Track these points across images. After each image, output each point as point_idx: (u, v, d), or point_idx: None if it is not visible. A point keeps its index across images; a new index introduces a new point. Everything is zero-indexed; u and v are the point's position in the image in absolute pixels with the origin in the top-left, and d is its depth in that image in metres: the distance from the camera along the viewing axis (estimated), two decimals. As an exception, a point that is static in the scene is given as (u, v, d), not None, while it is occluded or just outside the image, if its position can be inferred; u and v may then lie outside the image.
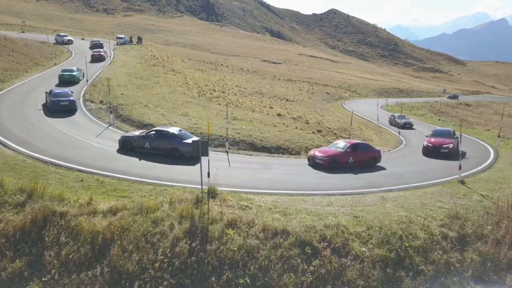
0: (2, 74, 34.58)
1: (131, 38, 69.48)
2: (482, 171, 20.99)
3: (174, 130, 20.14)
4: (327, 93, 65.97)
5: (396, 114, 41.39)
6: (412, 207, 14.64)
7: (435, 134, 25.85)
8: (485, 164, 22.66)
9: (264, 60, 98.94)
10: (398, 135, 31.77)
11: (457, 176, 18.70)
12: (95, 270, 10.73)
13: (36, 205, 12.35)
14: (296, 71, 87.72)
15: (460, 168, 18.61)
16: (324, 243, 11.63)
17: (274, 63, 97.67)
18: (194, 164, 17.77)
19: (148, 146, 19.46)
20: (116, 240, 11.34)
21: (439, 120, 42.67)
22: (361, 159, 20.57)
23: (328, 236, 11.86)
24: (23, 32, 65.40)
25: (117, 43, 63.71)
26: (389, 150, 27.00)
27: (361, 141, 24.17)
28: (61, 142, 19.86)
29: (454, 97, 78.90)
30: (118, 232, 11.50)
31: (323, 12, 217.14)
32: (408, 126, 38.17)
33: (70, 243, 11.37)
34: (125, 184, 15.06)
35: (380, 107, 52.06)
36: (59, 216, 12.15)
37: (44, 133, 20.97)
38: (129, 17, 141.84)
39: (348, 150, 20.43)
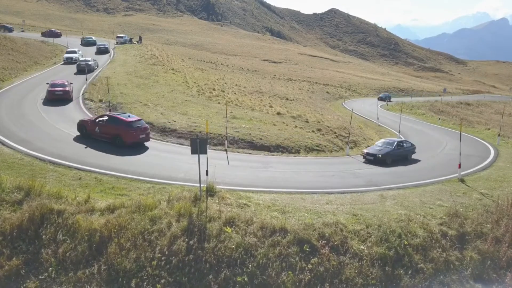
0: (1, 73, 34.51)
1: (131, 38, 69.39)
2: (482, 169, 20.94)
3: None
4: (327, 92, 65.85)
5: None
6: (412, 206, 14.59)
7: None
8: (485, 162, 22.60)
9: (264, 60, 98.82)
10: (398, 134, 31.69)
11: (456, 174, 18.64)
12: (93, 268, 10.69)
13: (33, 203, 12.30)
14: (296, 70, 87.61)
15: (460, 166, 18.54)
16: (323, 241, 11.58)
17: (274, 62, 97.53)
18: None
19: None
20: (114, 238, 11.29)
21: (439, 119, 42.58)
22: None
23: (327, 234, 11.80)
24: (22, 31, 65.35)
25: (117, 42, 63.63)
26: (389, 149, 26.88)
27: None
28: (59, 140, 19.79)
29: (386, 98, 62.23)
30: (115, 230, 11.45)
31: (323, 11, 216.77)
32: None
33: (68, 241, 11.33)
34: (123, 182, 15.00)
35: (380, 107, 51.96)
36: (57, 214, 12.10)
37: (42, 132, 20.90)
38: (129, 16, 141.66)
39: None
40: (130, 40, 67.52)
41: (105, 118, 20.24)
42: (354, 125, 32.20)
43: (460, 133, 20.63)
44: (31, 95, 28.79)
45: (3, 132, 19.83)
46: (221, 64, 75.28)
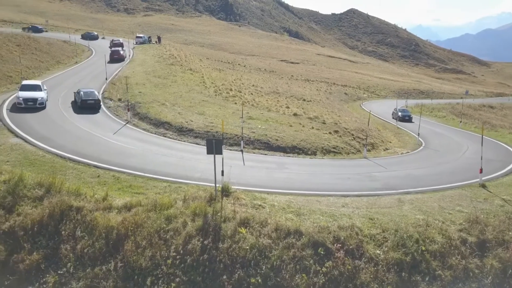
0: (25, 72, 35.57)
1: (149, 37, 70.41)
2: (505, 175, 20.28)
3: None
4: (345, 93, 65.20)
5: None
6: (430, 211, 14.27)
7: None
8: (508, 168, 21.86)
9: (281, 60, 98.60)
10: (417, 136, 31.06)
11: (477, 179, 18.14)
12: (109, 264, 10.89)
13: (53, 199, 12.62)
14: (314, 71, 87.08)
15: (481, 171, 18.03)
16: (338, 245, 11.45)
17: (292, 63, 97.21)
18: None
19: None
20: (130, 236, 11.47)
21: (461, 122, 41.52)
22: None
23: (342, 238, 11.67)
24: (46, 31, 67.12)
25: (136, 42, 64.70)
26: (408, 152, 26.43)
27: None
28: (79, 138, 20.25)
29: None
30: (132, 228, 11.63)
31: (342, 12, 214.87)
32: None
33: (86, 238, 11.57)
34: (140, 181, 15.23)
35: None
36: (76, 210, 12.38)
37: (63, 130, 21.43)
38: (149, 16, 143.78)
39: None
40: (149, 40, 68.49)
41: None
42: (372, 127, 31.73)
43: (482, 137, 20.07)
44: (53, 94, 29.52)
45: (25, 129, 20.41)
46: (239, 64, 75.51)
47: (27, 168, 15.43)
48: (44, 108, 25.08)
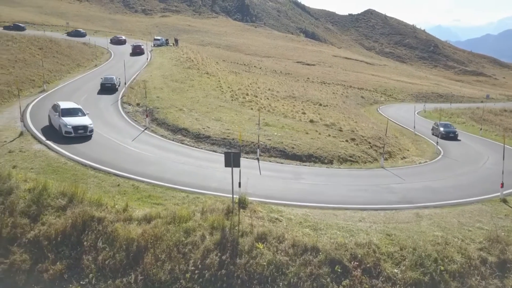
0: (47, 75, 36.48)
1: (167, 40, 71.16)
2: (528, 189, 19.77)
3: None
4: (362, 97, 64.64)
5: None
6: (449, 227, 14.09)
7: None
8: (531, 181, 21.31)
9: (297, 62, 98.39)
10: (436, 144, 30.54)
11: (498, 193, 17.79)
12: (130, 277, 11.15)
13: (76, 209, 12.98)
14: (330, 73, 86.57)
15: (502, 185, 17.67)
16: (355, 262, 11.43)
17: (308, 64, 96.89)
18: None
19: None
20: (150, 249, 11.71)
21: (481, 130, 40.55)
22: None
23: (359, 255, 11.64)
24: (67, 33, 68.64)
25: (154, 45, 65.48)
26: (426, 162, 26.05)
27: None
28: (99, 144, 20.70)
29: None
30: (151, 241, 11.87)
31: (359, 12, 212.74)
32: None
33: (107, 249, 11.87)
34: (159, 191, 15.50)
35: (417, 113, 50.19)
36: (97, 221, 12.71)
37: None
38: (166, 17, 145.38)
39: None
40: (167, 43, 69.25)
41: None
42: (389, 134, 31.41)
43: (504, 147, 19.63)
44: (74, 98, 30.18)
45: (48, 135, 20.95)
46: (254, 66, 75.71)
47: (50, 175, 15.91)
48: (91, 136, 21.64)
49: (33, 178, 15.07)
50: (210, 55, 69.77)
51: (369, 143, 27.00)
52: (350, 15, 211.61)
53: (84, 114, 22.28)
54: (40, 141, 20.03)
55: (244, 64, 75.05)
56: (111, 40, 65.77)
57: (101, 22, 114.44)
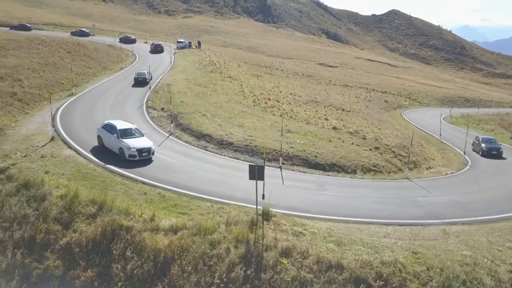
0: (75, 78, 37.60)
1: (190, 42, 72.01)
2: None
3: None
4: (385, 101, 63.60)
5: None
6: (478, 246, 13.75)
7: None
8: None
9: (319, 63, 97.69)
10: (463, 154, 29.64)
11: (530, 210, 17.21)
12: (157, 287, 11.42)
13: (105, 218, 13.42)
14: (352, 75, 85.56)
15: (534, 202, 17.08)
16: (380, 282, 11.34)
17: (330, 66, 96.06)
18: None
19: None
20: (176, 260, 11.96)
21: (511, 138, 39.12)
22: None
23: (385, 274, 11.54)
24: (93, 35, 70.52)
25: (177, 47, 66.43)
26: (452, 173, 25.40)
27: None
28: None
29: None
30: (178, 252, 12.13)
31: (383, 13, 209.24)
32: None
33: (135, 258, 12.21)
34: (184, 200, 15.78)
35: (443, 119, 49.02)
36: (125, 230, 13.08)
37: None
38: (188, 18, 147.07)
39: None
40: (189, 45, 70.09)
41: None
42: (414, 141, 30.76)
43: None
44: (101, 102, 31.04)
45: (77, 140, 21.62)
46: (276, 68, 75.63)
47: (80, 182, 16.45)
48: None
49: (64, 185, 15.66)
50: (232, 57, 70.19)
51: (394, 152, 26.59)
52: (373, 15, 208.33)
53: (142, 135, 20.88)
54: (70, 146, 20.68)
55: (266, 66, 75.10)
56: (120, 39, 68.12)
57: (125, 23, 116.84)
